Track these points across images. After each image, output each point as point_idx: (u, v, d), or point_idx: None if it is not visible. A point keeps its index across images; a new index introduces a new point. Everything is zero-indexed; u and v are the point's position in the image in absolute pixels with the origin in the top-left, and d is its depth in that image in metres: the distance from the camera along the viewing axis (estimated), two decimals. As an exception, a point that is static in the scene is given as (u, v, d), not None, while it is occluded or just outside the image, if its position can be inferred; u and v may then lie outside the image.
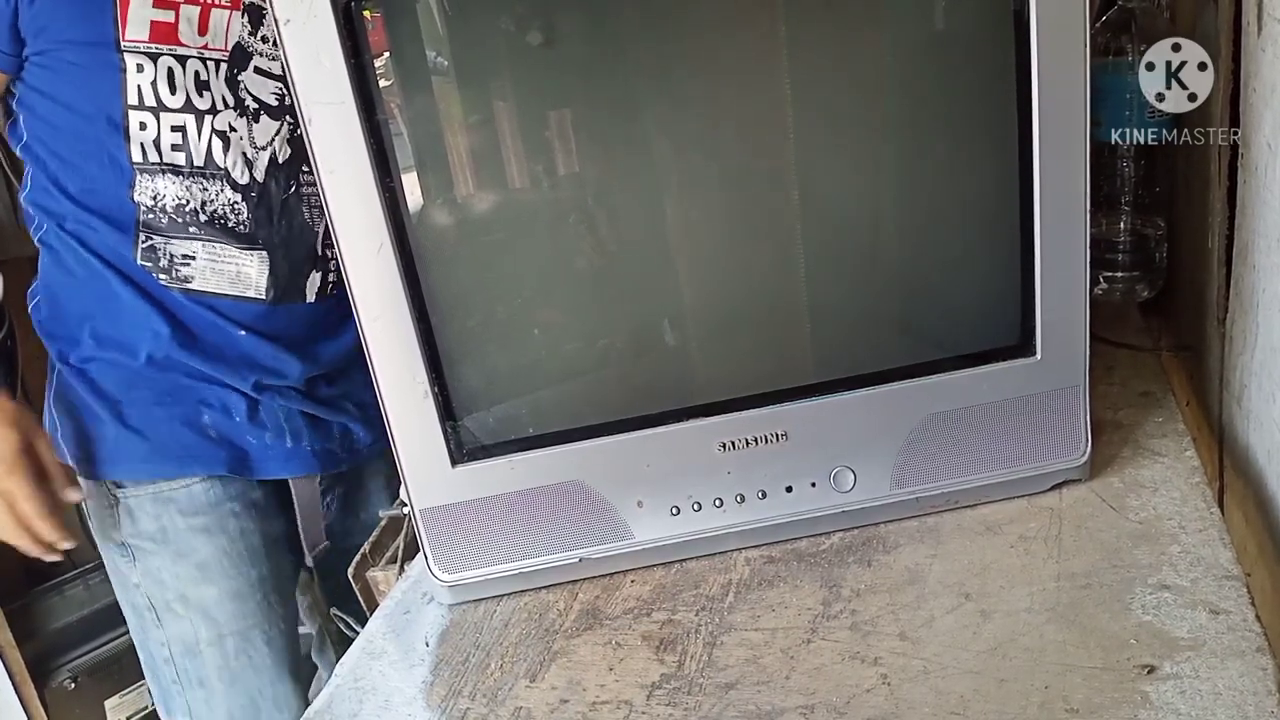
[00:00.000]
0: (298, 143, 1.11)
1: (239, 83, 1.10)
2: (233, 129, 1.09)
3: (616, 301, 0.81)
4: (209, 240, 1.11)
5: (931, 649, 0.71)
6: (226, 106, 1.09)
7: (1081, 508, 0.82)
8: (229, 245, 1.12)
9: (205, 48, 1.07)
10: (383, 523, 1.18)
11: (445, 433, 0.81)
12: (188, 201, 1.09)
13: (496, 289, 0.82)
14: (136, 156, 1.08)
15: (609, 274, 0.82)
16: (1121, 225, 1.07)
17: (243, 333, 1.15)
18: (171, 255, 1.11)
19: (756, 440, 0.82)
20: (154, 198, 1.09)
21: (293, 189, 1.14)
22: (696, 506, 0.84)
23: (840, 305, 0.83)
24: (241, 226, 1.12)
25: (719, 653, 0.75)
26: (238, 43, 1.09)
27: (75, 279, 1.14)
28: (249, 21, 1.09)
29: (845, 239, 0.82)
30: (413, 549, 0.88)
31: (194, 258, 1.11)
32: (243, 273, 1.13)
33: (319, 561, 1.43)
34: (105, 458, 1.16)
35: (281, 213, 1.14)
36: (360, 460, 1.32)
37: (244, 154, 1.11)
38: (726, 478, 0.83)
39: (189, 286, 1.12)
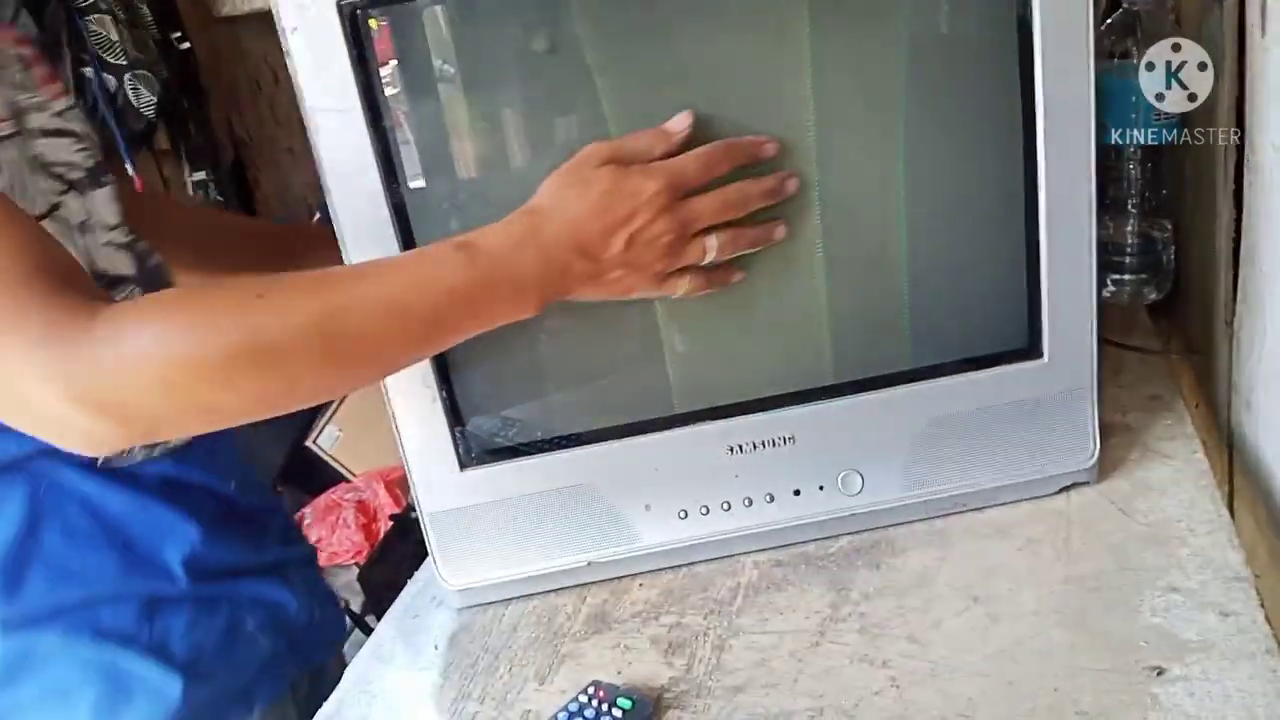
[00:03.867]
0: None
1: (45, 166, 0.78)
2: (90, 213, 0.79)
3: (624, 305, 0.81)
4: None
5: (940, 651, 0.71)
6: (65, 190, 0.79)
7: (1090, 510, 0.82)
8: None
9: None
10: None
11: (453, 437, 0.81)
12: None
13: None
14: None
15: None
16: (1129, 228, 1.07)
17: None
18: None
19: (764, 444, 0.82)
20: None
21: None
22: (704, 510, 0.84)
23: (847, 309, 0.83)
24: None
25: (727, 656, 0.75)
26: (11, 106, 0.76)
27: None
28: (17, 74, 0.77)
29: (852, 243, 0.82)
30: (421, 553, 0.89)
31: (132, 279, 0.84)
32: None
33: None
34: None
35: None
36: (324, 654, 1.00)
37: (115, 242, 0.82)
38: (734, 481, 0.83)
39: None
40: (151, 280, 0.84)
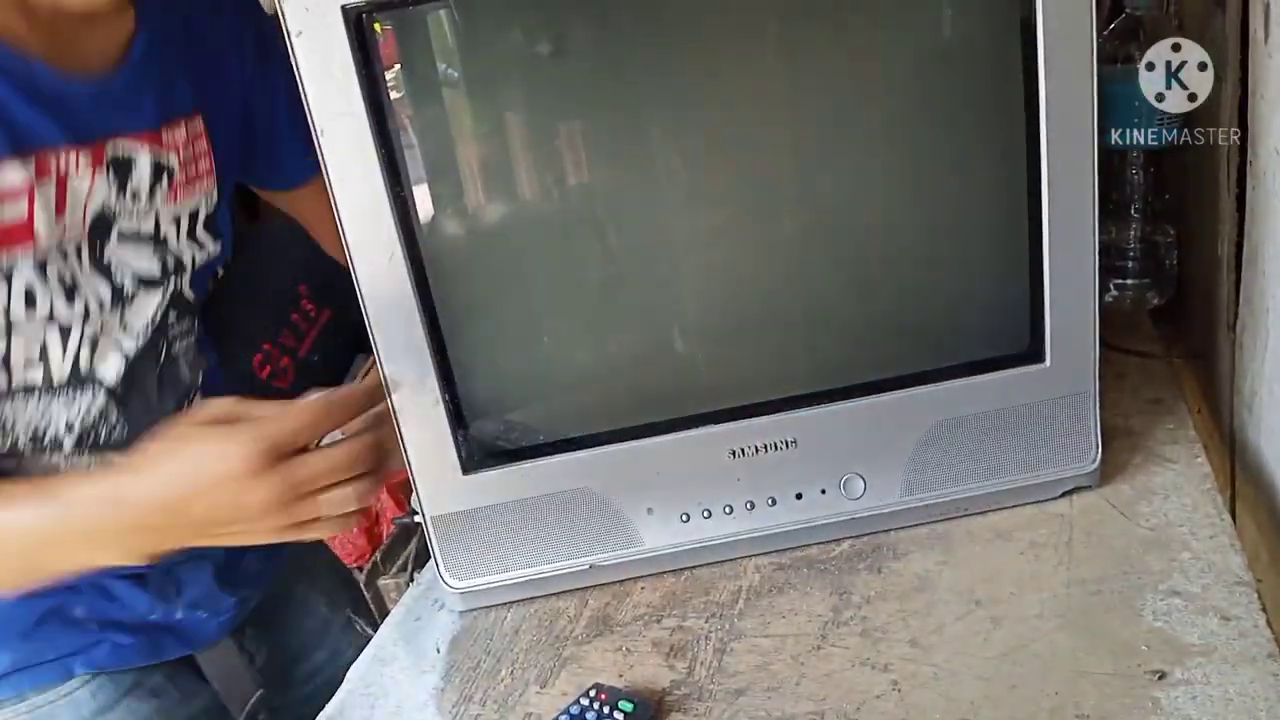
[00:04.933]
0: (179, 300, 0.89)
1: (107, 263, 0.82)
2: (105, 328, 0.82)
3: (626, 309, 0.82)
4: (71, 461, 0.84)
5: (942, 655, 0.71)
6: (101, 306, 0.81)
7: (1092, 514, 0.82)
8: (98, 458, 0.85)
9: (63, 236, 0.77)
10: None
11: (456, 440, 0.82)
12: (47, 427, 0.81)
13: (507, 297, 0.82)
14: None
15: (619, 282, 0.83)
16: (1131, 232, 1.07)
17: None
18: None
19: (766, 447, 0.82)
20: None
21: (176, 348, 0.91)
22: (706, 513, 0.84)
23: (849, 312, 0.83)
24: (113, 434, 0.85)
25: (729, 659, 0.75)
26: (99, 210, 0.80)
27: None
28: (115, 178, 0.81)
29: (855, 247, 0.82)
30: (423, 556, 0.89)
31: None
32: None
33: (253, 715, 1.09)
34: None
35: (160, 390, 0.90)
36: (268, 586, 1.05)
37: (118, 343, 0.84)
38: (736, 485, 0.83)
39: None
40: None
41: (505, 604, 0.87)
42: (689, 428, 0.82)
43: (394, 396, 0.79)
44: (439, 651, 0.84)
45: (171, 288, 0.88)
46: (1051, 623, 0.72)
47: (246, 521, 0.68)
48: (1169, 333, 1.09)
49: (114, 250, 0.82)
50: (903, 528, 0.85)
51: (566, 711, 0.71)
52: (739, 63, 0.77)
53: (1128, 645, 0.68)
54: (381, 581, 1.92)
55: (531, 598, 0.87)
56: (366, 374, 1.01)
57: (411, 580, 0.98)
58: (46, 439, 0.81)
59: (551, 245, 0.83)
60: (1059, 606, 0.73)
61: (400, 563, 1.94)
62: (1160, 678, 0.65)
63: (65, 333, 0.79)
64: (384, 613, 1.04)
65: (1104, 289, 1.06)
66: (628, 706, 0.70)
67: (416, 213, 0.76)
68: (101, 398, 0.83)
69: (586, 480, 0.83)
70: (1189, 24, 1.01)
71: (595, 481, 0.83)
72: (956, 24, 0.78)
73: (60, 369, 0.80)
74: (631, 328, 0.82)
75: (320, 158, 0.73)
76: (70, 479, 0.71)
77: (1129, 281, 1.08)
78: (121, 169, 0.82)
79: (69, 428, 0.82)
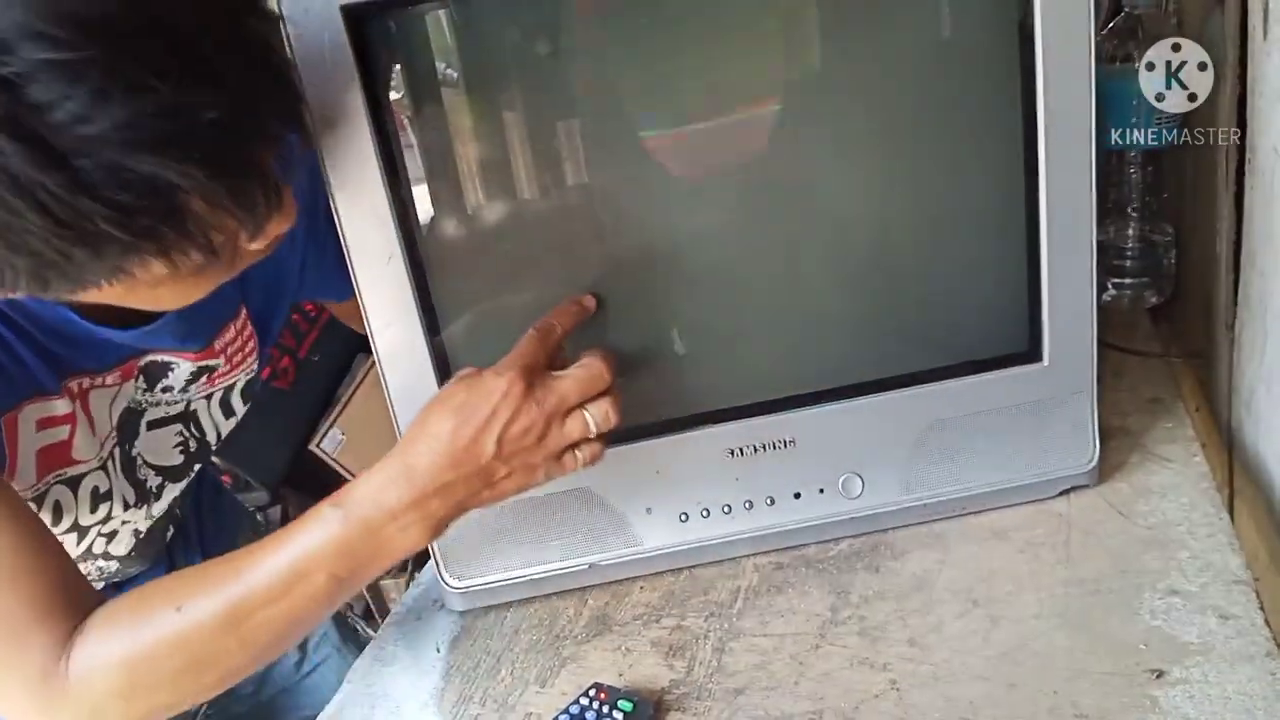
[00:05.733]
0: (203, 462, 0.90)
1: (135, 462, 0.82)
2: (126, 523, 0.84)
3: (625, 309, 0.82)
4: None
5: (940, 655, 0.71)
6: (126, 506, 0.82)
7: (1090, 513, 0.82)
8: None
9: (100, 449, 0.78)
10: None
11: (455, 440, 0.81)
12: None
13: (506, 297, 0.82)
14: None
15: (617, 282, 0.83)
16: (1130, 231, 1.07)
17: None
18: None
19: (764, 447, 0.82)
20: None
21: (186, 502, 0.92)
22: (705, 513, 0.84)
23: (848, 312, 0.83)
24: (107, 578, 0.88)
25: (728, 658, 0.76)
26: (125, 407, 0.80)
27: None
28: (145, 381, 0.80)
29: (853, 246, 0.82)
30: (423, 556, 0.89)
31: None
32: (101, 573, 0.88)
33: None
34: None
35: (160, 538, 0.91)
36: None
37: (135, 530, 0.85)
38: (735, 484, 0.83)
39: None
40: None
41: (505, 604, 0.88)
42: (688, 428, 0.82)
43: (394, 397, 0.80)
44: (439, 651, 0.85)
45: (195, 471, 0.88)
46: (1050, 622, 0.72)
47: (526, 453, 0.69)
48: (1167, 332, 1.09)
49: (141, 444, 0.82)
50: (901, 527, 0.85)
51: (566, 711, 0.71)
52: (738, 63, 0.77)
53: (1126, 644, 0.68)
54: (381, 581, 1.92)
55: (531, 597, 0.87)
56: (366, 374, 1.00)
57: (411, 580, 0.98)
58: (91, 551, 0.83)
59: (551, 245, 0.83)
60: (1057, 605, 0.73)
61: (400, 563, 1.93)
62: (1158, 676, 0.65)
63: (83, 533, 0.80)
64: (384, 613, 1.04)
65: (1102, 288, 1.07)
66: (627, 706, 0.70)
67: (416, 213, 0.76)
68: (107, 564, 0.85)
69: (585, 480, 0.83)
70: (1188, 22, 1.01)
71: (594, 481, 0.83)
72: (955, 24, 0.78)
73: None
74: (630, 328, 0.82)
75: (319, 157, 0.73)
76: (353, 484, 0.68)
77: (1127, 281, 1.08)
78: (155, 372, 0.81)
79: (105, 555, 0.84)
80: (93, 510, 0.79)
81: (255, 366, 0.89)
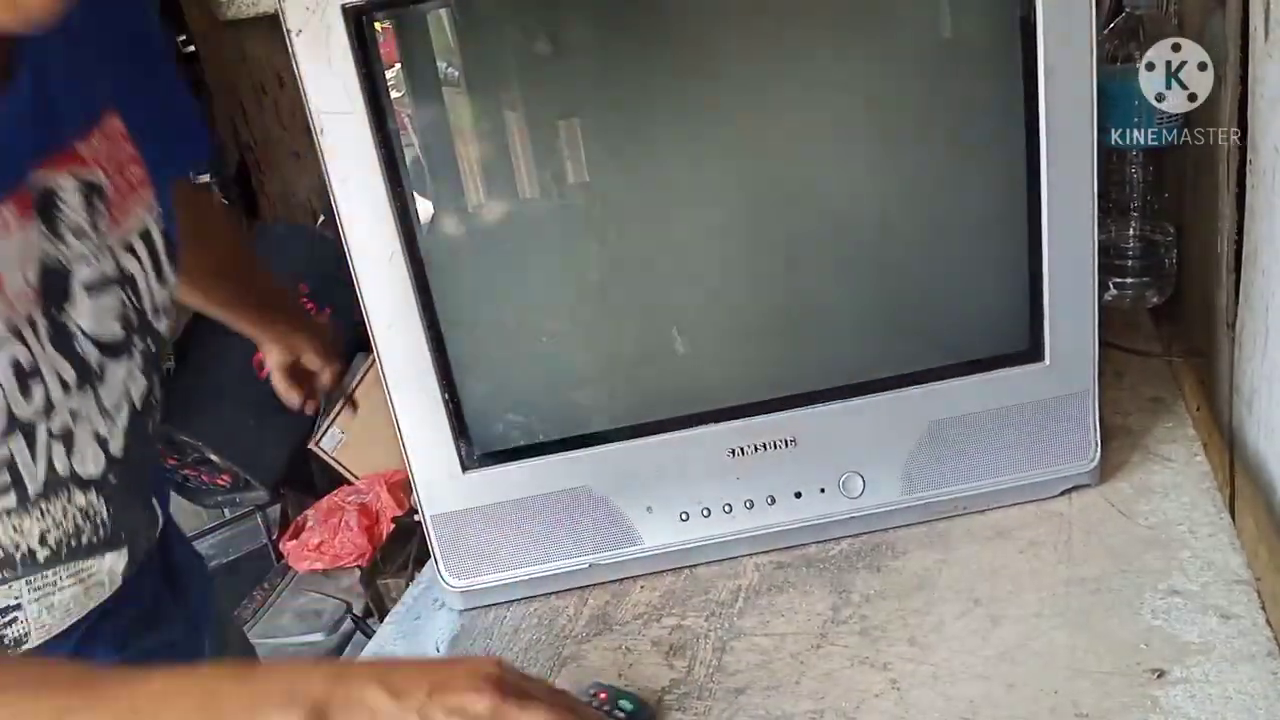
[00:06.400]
0: (149, 362, 0.75)
1: (70, 335, 0.68)
2: (75, 415, 0.68)
3: (625, 308, 0.82)
4: (40, 576, 0.70)
5: (941, 654, 0.71)
6: (65, 387, 0.67)
7: (1091, 513, 0.82)
8: (74, 563, 0.72)
9: (11, 311, 0.63)
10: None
11: (455, 439, 0.82)
12: (17, 545, 0.68)
13: (506, 296, 0.82)
14: None
15: (618, 281, 0.83)
16: (1131, 231, 1.07)
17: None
18: None
19: (765, 446, 0.82)
20: None
21: (153, 419, 0.77)
22: (706, 512, 0.84)
23: (849, 311, 0.83)
24: (99, 533, 0.73)
25: (729, 658, 0.76)
26: (42, 265, 0.65)
27: None
28: (45, 224, 0.65)
29: (854, 245, 0.82)
30: (423, 555, 0.89)
31: (19, 607, 0.70)
32: (95, 581, 0.74)
33: None
34: None
35: (141, 467, 0.77)
36: None
37: (95, 433, 0.71)
38: (735, 483, 0.83)
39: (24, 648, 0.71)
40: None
41: (505, 603, 0.88)
42: (688, 427, 0.82)
43: (394, 396, 0.80)
44: (439, 650, 0.84)
45: (140, 347, 0.74)
46: (1051, 621, 0.72)
47: None
48: (1168, 331, 1.09)
49: (77, 311, 0.68)
50: (902, 526, 0.85)
51: (566, 710, 0.71)
52: (738, 62, 0.77)
53: (1127, 644, 0.68)
54: (381, 581, 1.93)
55: (531, 596, 0.87)
56: (366, 373, 1.00)
57: (411, 580, 0.98)
58: (17, 559, 0.68)
59: (551, 244, 0.83)
60: (1058, 605, 0.73)
61: (400, 562, 1.94)
62: (1159, 676, 0.65)
63: (30, 435, 0.66)
64: (384, 613, 1.04)
65: (1103, 288, 1.06)
66: (627, 705, 0.70)
67: (416, 212, 0.76)
68: (81, 496, 0.71)
69: (586, 479, 0.83)
70: (1188, 23, 1.01)
71: (595, 480, 0.83)
72: (956, 23, 0.78)
73: (35, 481, 0.67)
74: (630, 327, 0.82)
75: (321, 157, 0.73)
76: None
77: (1128, 280, 1.08)
78: (48, 209, 0.66)
79: (43, 540, 0.69)
80: (23, 392, 0.65)
81: (158, 207, 0.75)
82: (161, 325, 0.76)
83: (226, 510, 2.43)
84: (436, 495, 0.84)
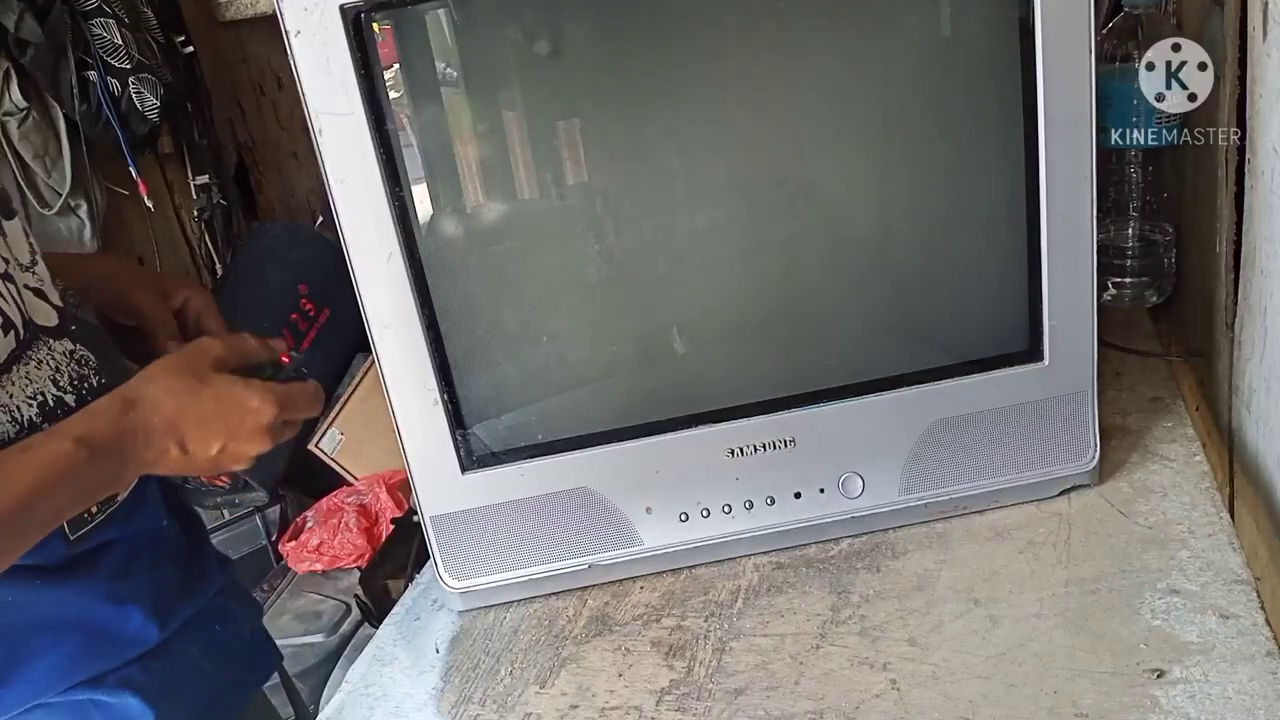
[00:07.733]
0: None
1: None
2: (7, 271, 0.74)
3: (625, 309, 0.82)
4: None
5: (940, 654, 0.71)
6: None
7: (1090, 513, 0.82)
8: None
9: None
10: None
11: (455, 440, 0.82)
12: (43, 392, 0.74)
13: (505, 297, 0.82)
14: None
15: (617, 282, 0.83)
16: (1130, 231, 1.07)
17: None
18: None
19: (765, 447, 0.82)
20: None
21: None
22: (705, 513, 0.84)
23: (848, 311, 0.83)
24: (102, 381, 0.79)
25: (728, 658, 0.76)
26: None
27: None
28: None
29: (853, 246, 0.82)
30: (423, 556, 0.89)
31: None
32: None
33: None
34: None
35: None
36: None
37: (26, 287, 0.76)
38: (735, 484, 0.83)
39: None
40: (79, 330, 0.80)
41: (504, 604, 0.87)
42: (687, 427, 0.82)
43: (393, 397, 0.80)
44: (438, 651, 0.84)
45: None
46: (1050, 621, 0.72)
47: (228, 463, 0.74)
48: (1167, 331, 1.09)
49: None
50: (901, 527, 0.85)
51: None
52: (737, 62, 0.77)
53: (1126, 644, 0.68)
54: (381, 582, 1.92)
55: (531, 597, 0.87)
56: (365, 374, 0.98)
57: (411, 580, 0.98)
58: (51, 405, 0.75)
59: (550, 245, 0.83)
60: (1057, 605, 0.73)
61: (400, 563, 1.94)
62: (1159, 676, 0.65)
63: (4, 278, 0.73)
64: (384, 613, 1.04)
65: (1102, 287, 1.06)
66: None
67: (416, 213, 0.76)
68: (57, 343, 0.77)
69: (585, 480, 0.83)
70: (1187, 22, 1.01)
71: (594, 481, 0.83)
72: (955, 23, 0.78)
73: (16, 320, 0.74)
74: (630, 327, 0.82)
75: (319, 157, 0.73)
76: (92, 422, 0.69)
77: (1127, 280, 1.08)
78: None
79: (60, 387, 0.76)
80: None
81: None
82: None
83: (226, 511, 2.42)
84: (436, 496, 0.84)
